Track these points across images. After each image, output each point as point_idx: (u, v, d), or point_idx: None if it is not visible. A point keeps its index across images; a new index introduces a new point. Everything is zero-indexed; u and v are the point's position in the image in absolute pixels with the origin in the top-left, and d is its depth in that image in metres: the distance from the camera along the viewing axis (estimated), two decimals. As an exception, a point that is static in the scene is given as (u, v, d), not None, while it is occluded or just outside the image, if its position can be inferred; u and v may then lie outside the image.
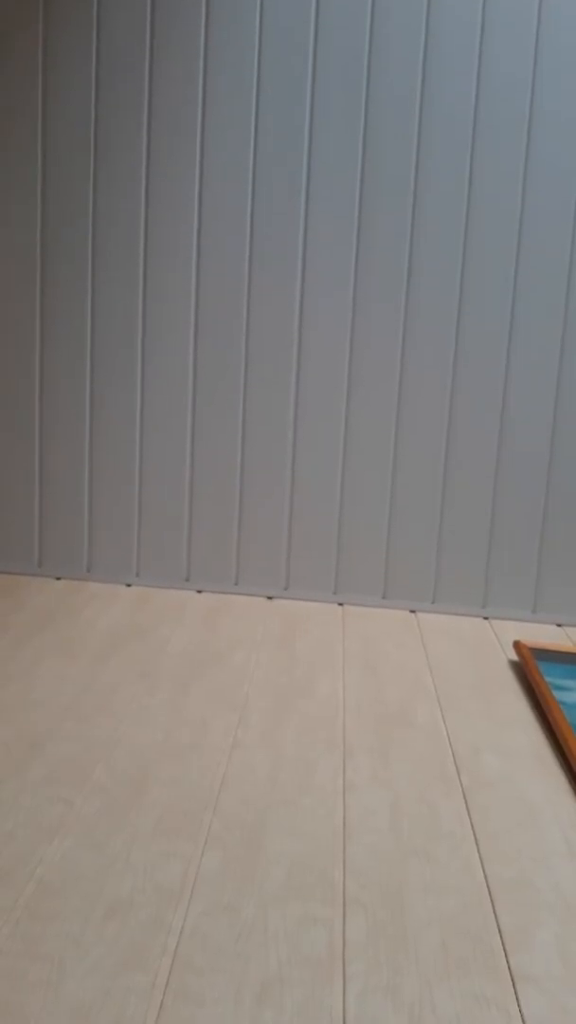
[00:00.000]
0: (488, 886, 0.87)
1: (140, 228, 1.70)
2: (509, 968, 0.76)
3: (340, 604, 1.78)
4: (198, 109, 1.65)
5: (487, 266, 1.65)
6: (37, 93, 1.68)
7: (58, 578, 1.82)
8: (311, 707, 1.27)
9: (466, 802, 1.03)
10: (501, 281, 1.65)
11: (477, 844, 0.95)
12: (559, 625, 1.74)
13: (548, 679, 1.37)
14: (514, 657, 1.54)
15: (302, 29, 1.61)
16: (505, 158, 1.61)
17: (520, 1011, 0.71)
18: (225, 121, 1.65)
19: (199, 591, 1.80)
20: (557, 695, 1.31)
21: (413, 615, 1.74)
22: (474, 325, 1.67)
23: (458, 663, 1.49)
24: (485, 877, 0.89)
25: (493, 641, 1.62)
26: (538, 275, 1.64)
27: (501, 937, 0.80)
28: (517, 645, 1.50)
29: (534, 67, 1.58)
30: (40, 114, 1.68)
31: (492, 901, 0.85)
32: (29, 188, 1.70)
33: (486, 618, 1.75)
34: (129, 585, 1.81)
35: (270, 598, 1.79)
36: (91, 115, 1.67)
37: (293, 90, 1.63)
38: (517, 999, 0.72)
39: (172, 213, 1.69)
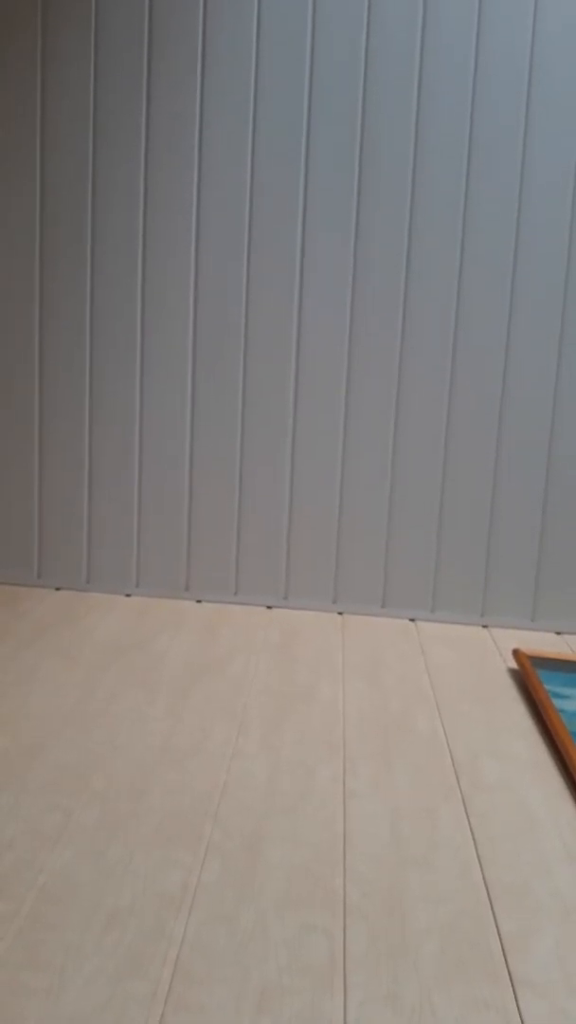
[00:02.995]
0: (488, 892, 0.87)
1: (139, 232, 1.71)
2: (509, 973, 0.76)
3: (339, 613, 1.78)
4: (196, 98, 1.67)
5: (485, 266, 1.66)
6: (36, 92, 1.69)
7: (57, 588, 1.82)
8: (311, 715, 1.27)
9: (466, 809, 1.03)
10: (499, 282, 1.66)
11: (477, 850, 0.95)
12: (558, 633, 1.74)
13: (547, 687, 1.37)
14: (513, 665, 1.54)
15: (300, 20, 1.62)
16: (503, 141, 1.62)
17: (520, 1016, 0.71)
18: (224, 110, 1.67)
19: (198, 601, 1.80)
20: (556, 703, 1.31)
21: (412, 623, 1.74)
22: (471, 339, 1.68)
23: (457, 671, 1.49)
24: (485, 883, 0.89)
25: (492, 649, 1.62)
26: (537, 280, 1.65)
27: (501, 943, 0.80)
28: (516, 653, 1.50)
29: (531, 48, 1.60)
30: (39, 111, 1.70)
31: (492, 907, 0.85)
32: (28, 185, 1.72)
33: (485, 626, 1.75)
34: (128, 595, 1.81)
35: (269, 607, 1.79)
36: (90, 110, 1.69)
37: (292, 82, 1.64)
38: (517, 1004, 0.72)
39: (170, 214, 1.70)
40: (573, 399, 1.68)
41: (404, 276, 1.67)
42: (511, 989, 0.74)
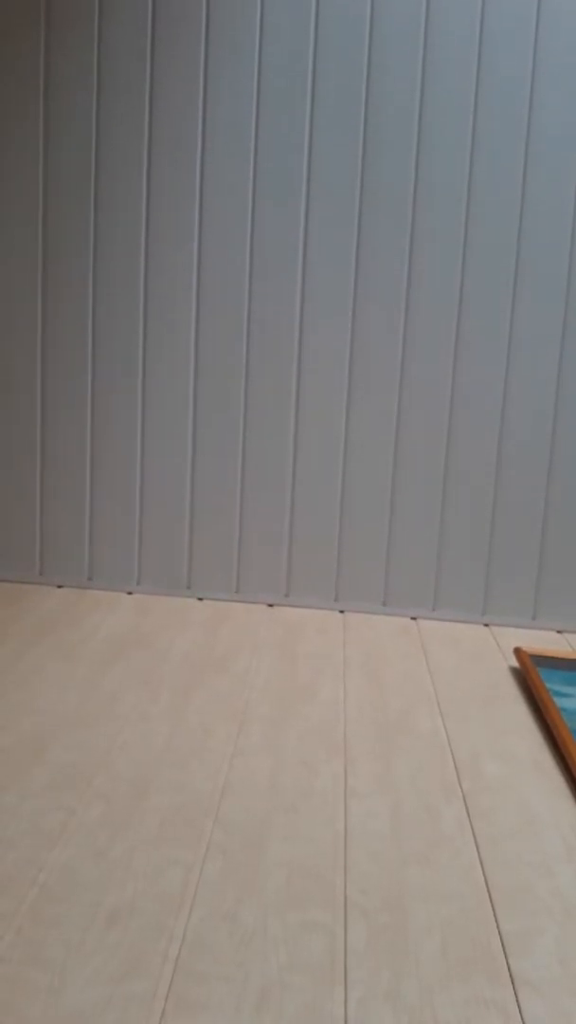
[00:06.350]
0: (489, 891, 0.87)
1: (141, 240, 1.71)
2: (510, 973, 0.76)
3: (341, 611, 1.78)
4: (199, 109, 1.67)
5: (487, 273, 1.65)
6: (39, 102, 1.69)
7: (59, 586, 1.83)
8: (312, 714, 1.28)
9: (467, 808, 1.03)
10: (502, 281, 1.66)
11: (478, 849, 0.95)
12: (559, 631, 1.74)
13: (548, 685, 1.37)
14: (514, 663, 1.54)
15: (302, 36, 1.62)
16: (504, 165, 1.62)
17: (521, 1015, 0.71)
18: (226, 128, 1.66)
19: (200, 599, 1.80)
20: (557, 701, 1.31)
21: (414, 622, 1.74)
22: (473, 336, 1.68)
23: (459, 670, 1.49)
24: (486, 882, 0.89)
25: (494, 648, 1.62)
26: (538, 281, 1.65)
27: (502, 942, 0.80)
28: (517, 651, 1.50)
29: (533, 66, 1.59)
30: (41, 118, 1.70)
31: (493, 906, 0.85)
32: (30, 185, 1.72)
33: (486, 624, 1.75)
34: (130, 593, 1.81)
35: (271, 605, 1.79)
36: (92, 126, 1.69)
37: (293, 96, 1.64)
38: (518, 1003, 0.72)
39: (173, 227, 1.70)
40: (575, 399, 1.68)
41: (406, 277, 1.67)
42: (512, 988, 0.74)
